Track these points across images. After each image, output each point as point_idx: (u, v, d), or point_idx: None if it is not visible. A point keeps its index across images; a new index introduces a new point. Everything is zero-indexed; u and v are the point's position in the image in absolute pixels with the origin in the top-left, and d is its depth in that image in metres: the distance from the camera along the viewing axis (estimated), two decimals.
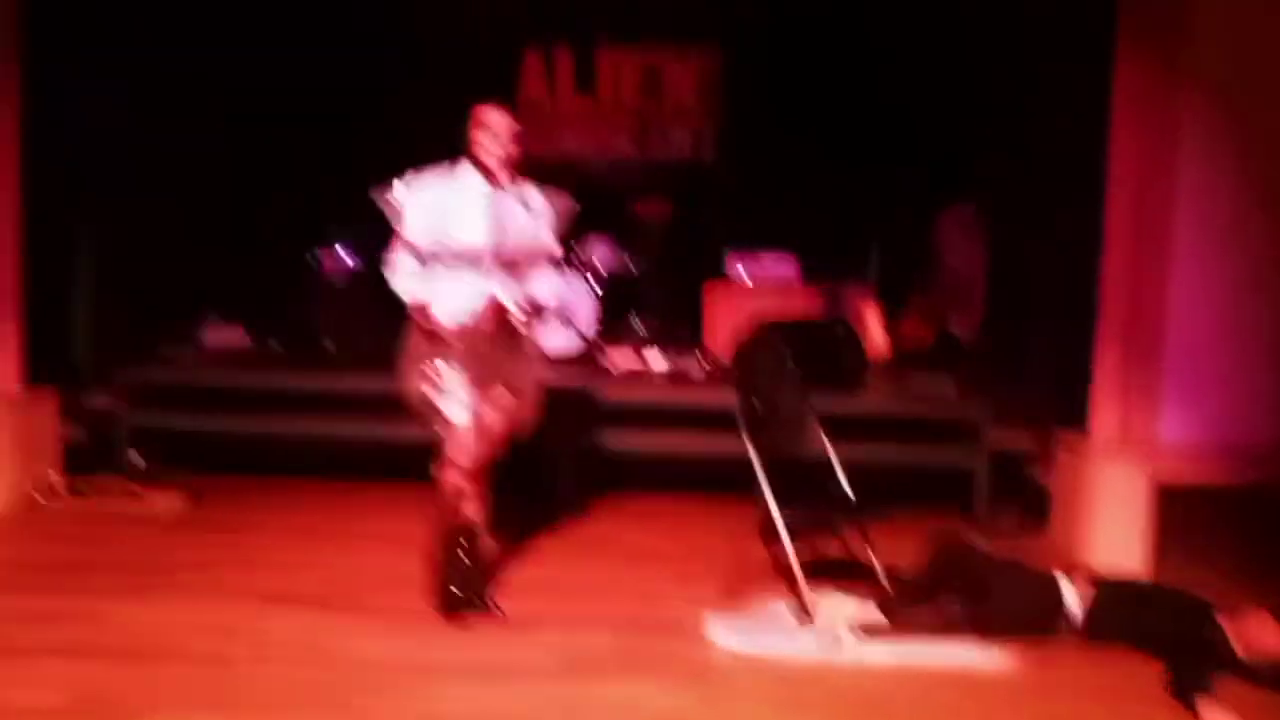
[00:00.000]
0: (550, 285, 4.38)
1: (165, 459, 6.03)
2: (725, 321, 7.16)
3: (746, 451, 4.39)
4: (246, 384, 6.13)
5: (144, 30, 6.44)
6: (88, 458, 5.85)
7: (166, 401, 6.12)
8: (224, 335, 6.86)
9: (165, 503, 5.56)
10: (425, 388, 4.09)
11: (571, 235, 7.22)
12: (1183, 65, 5.00)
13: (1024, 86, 6.36)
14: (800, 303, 7.18)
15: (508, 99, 8.57)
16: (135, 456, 5.93)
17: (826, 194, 7.72)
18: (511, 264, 4.12)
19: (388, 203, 4.17)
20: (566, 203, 4.32)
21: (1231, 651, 3.73)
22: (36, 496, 5.50)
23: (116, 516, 5.42)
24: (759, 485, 4.30)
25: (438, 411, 4.09)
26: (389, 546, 4.86)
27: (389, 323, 6.75)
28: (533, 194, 4.20)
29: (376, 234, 7.18)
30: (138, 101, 6.47)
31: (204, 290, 7.01)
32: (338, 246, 7.29)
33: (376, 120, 7.97)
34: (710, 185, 8.29)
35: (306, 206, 7.63)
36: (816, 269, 7.50)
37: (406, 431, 5.79)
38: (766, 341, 5.76)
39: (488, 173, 4.07)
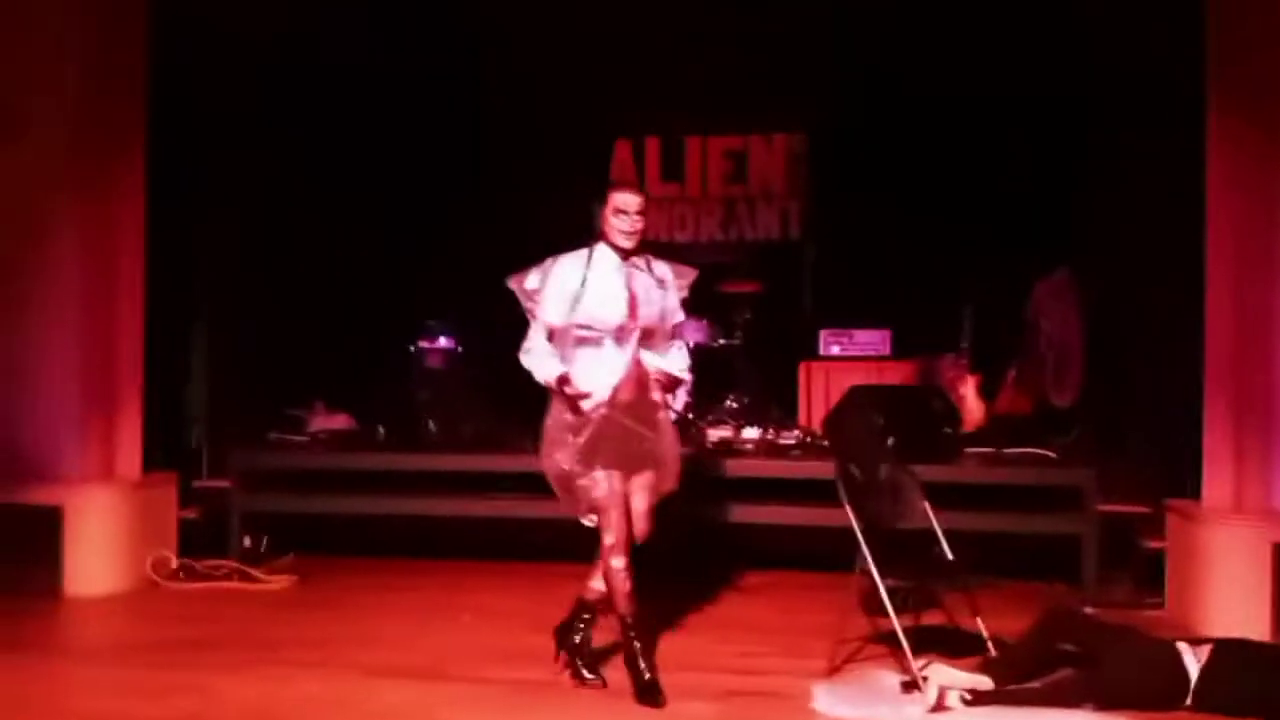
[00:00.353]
0: (683, 357, 4.38)
1: (275, 540, 6.20)
2: (820, 398, 7.18)
3: (848, 522, 4.38)
4: (352, 466, 6.30)
5: (256, 131, 6.78)
6: (202, 539, 6.05)
7: (277, 485, 6.32)
8: (331, 421, 7.06)
9: (276, 583, 5.73)
10: (567, 465, 4.15)
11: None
12: (1278, 123, 4.95)
13: (1117, 151, 6.34)
14: (895, 377, 7.17)
15: (600, 188, 8.92)
16: (247, 540, 6.10)
17: (917, 267, 7.71)
18: (648, 336, 4.21)
19: (522, 288, 4.27)
20: (690, 272, 4.42)
21: None
22: (154, 577, 5.70)
23: (229, 596, 5.60)
24: (861, 554, 4.28)
25: (581, 489, 4.14)
26: (494, 621, 4.94)
27: (487, 405, 7.01)
28: (662, 268, 4.31)
29: (473, 322, 7.55)
30: (248, 201, 6.78)
31: (312, 379, 7.24)
32: (439, 336, 7.51)
33: (473, 212, 8.26)
34: (799, 263, 8.35)
35: (408, 298, 7.88)
36: (910, 343, 7.50)
37: (508, 509, 5.99)
38: (857, 406, 5.77)
39: (621, 251, 4.16)
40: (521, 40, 8.27)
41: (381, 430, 6.65)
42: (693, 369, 7.09)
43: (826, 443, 6.07)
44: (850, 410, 5.93)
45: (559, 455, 4.17)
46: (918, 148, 7.98)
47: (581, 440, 4.09)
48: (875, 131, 8.15)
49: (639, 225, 4.16)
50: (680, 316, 4.37)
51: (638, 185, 4.40)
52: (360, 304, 7.72)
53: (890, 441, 5.64)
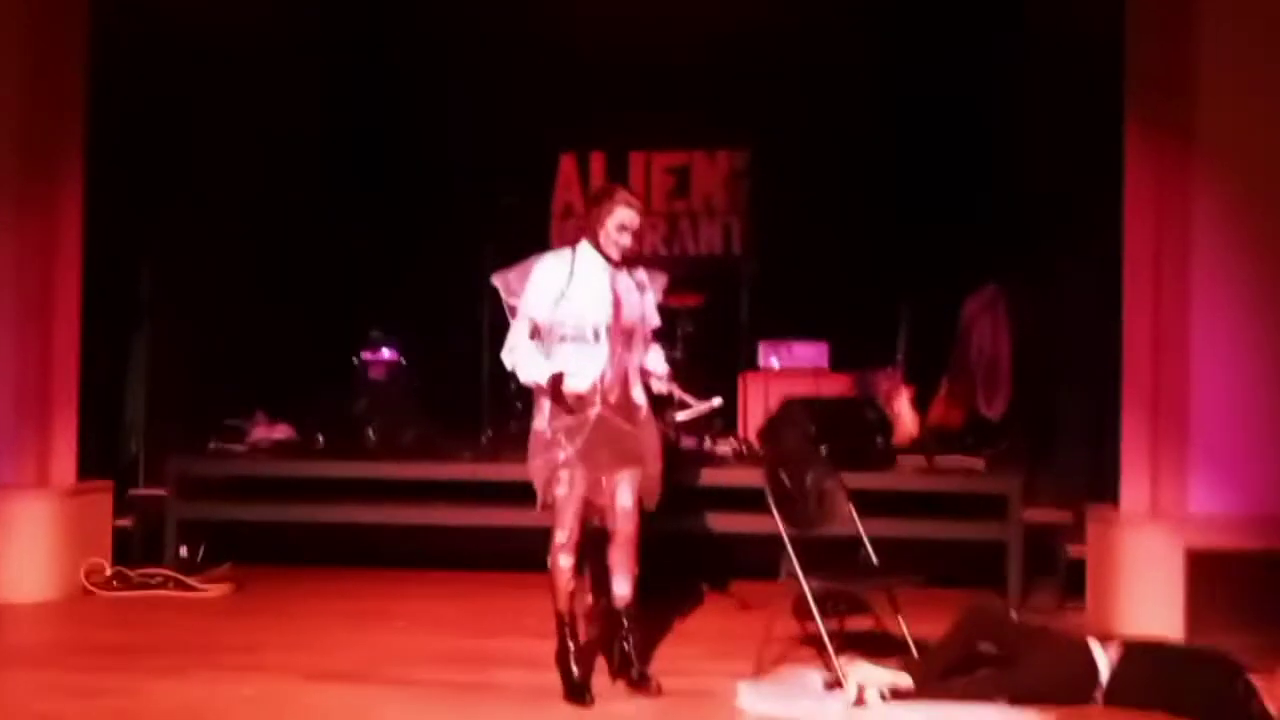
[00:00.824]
0: (660, 359, 4.41)
1: (212, 549, 6.19)
2: (758, 410, 7.29)
3: (778, 529, 4.47)
4: (287, 474, 6.30)
5: (198, 142, 6.79)
6: (138, 548, 6.03)
7: (213, 493, 6.32)
8: (273, 431, 7.05)
9: (211, 590, 5.72)
10: (547, 466, 4.18)
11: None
12: (1191, 148, 5.15)
13: (1042, 172, 6.54)
14: (833, 389, 7.31)
15: (544, 202, 9.01)
16: (183, 548, 6.08)
17: (855, 282, 7.89)
18: (628, 337, 4.22)
19: (505, 284, 4.28)
20: (662, 276, 4.46)
21: (1264, 708, 3.72)
22: (88, 585, 5.67)
23: (164, 604, 5.60)
24: (787, 558, 4.38)
25: (552, 490, 4.20)
26: (427, 626, 4.99)
27: (427, 414, 7.04)
28: (639, 272, 4.35)
29: (417, 332, 7.61)
30: (189, 208, 6.79)
31: (255, 389, 7.24)
32: (383, 347, 7.54)
33: (420, 224, 8.32)
34: (740, 277, 8.47)
35: (352, 309, 7.92)
36: (847, 356, 7.64)
37: (442, 517, 6.04)
38: (791, 417, 5.92)
39: (607, 255, 4.19)
40: (468, 54, 8.35)
41: (320, 438, 6.65)
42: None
43: (761, 452, 6.20)
44: (784, 421, 6.10)
45: (552, 455, 4.16)
46: (856, 166, 8.18)
47: (580, 441, 4.12)
48: (815, 149, 8.33)
49: (630, 241, 4.20)
50: (656, 321, 4.40)
51: (642, 201, 4.38)
52: (304, 315, 7.73)
53: (824, 450, 5.81)
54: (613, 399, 4.16)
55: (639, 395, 4.28)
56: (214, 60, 6.77)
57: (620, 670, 4.25)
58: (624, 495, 4.25)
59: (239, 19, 6.85)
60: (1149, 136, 5.27)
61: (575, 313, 4.15)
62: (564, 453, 4.14)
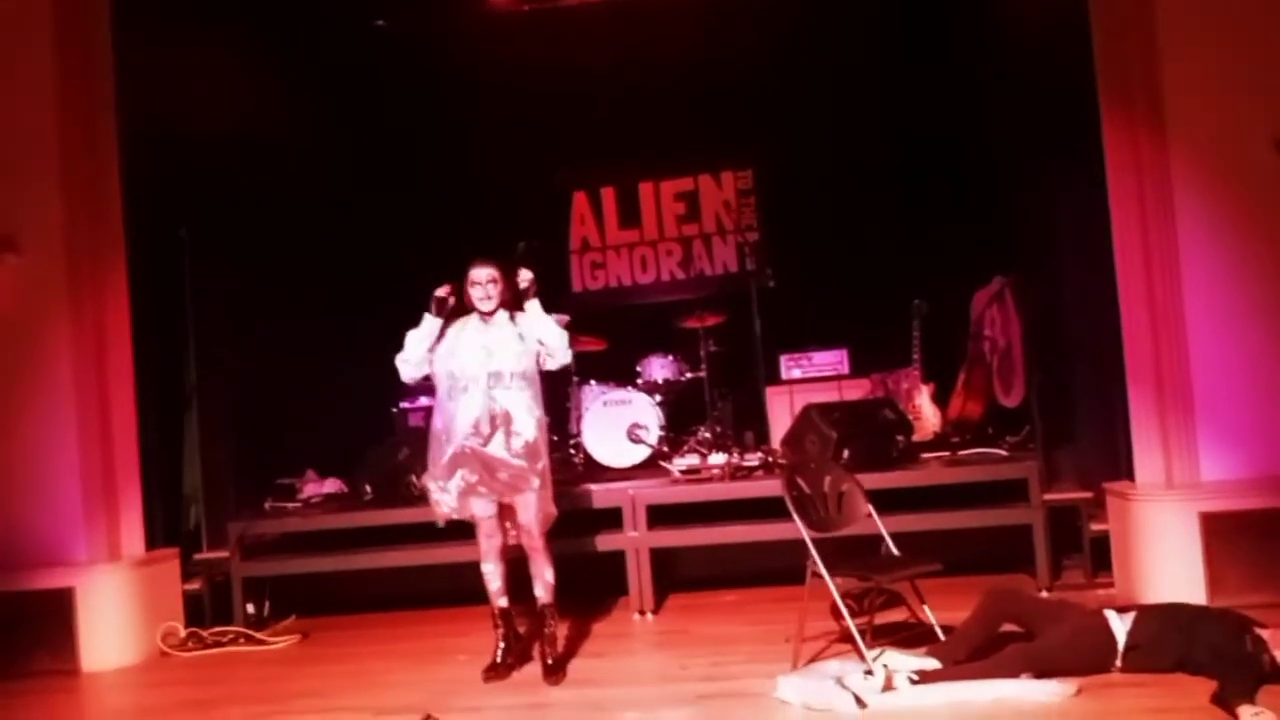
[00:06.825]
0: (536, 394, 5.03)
1: (277, 604, 6.52)
2: (785, 419, 7.53)
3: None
4: (341, 526, 6.59)
5: (232, 220, 7.15)
6: (207, 608, 6.36)
7: (273, 551, 6.64)
8: (323, 487, 7.39)
9: (280, 642, 6.04)
10: (428, 480, 5.11)
11: (636, 355, 7.85)
12: (1164, 132, 5.36)
13: (1037, 170, 6.76)
14: (855, 393, 7.53)
15: (562, 238, 9.34)
16: (250, 606, 6.41)
17: (867, 287, 8.12)
18: (499, 379, 4.92)
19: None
20: (563, 321, 5.22)
21: (1273, 660, 3.92)
22: (164, 648, 6.01)
23: (237, 659, 5.90)
24: (812, 559, 4.64)
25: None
26: (486, 656, 5.22)
27: None
28: (526, 320, 5.02)
29: None
30: (230, 285, 7.15)
31: (303, 449, 7.59)
32: (419, 395, 7.86)
33: (446, 272, 8.64)
34: (758, 293, 8.72)
35: (387, 361, 8.23)
36: (867, 359, 7.88)
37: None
38: (810, 424, 6.16)
39: (481, 314, 5.02)
40: (483, 111, 8.77)
41: (368, 489, 6.95)
42: (663, 404, 7.53)
43: (783, 461, 6.44)
44: (805, 427, 6.33)
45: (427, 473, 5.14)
46: (858, 175, 8.44)
47: (443, 461, 4.96)
48: (818, 162, 8.59)
49: (491, 292, 4.98)
50: (554, 358, 5.05)
51: (489, 260, 5.10)
52: (342, 372, 8.07)
53: (846, 454, 6.04)
54: (484, 433, 4.89)
55: (521, 428, 4.93)
56: (238, 146, 7.15)
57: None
58: (522, 515, 5.02)
59: (258, 103, 7.25)
60: (1125, 124, 5.49)
61: (458, 366, 4.98)
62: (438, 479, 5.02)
